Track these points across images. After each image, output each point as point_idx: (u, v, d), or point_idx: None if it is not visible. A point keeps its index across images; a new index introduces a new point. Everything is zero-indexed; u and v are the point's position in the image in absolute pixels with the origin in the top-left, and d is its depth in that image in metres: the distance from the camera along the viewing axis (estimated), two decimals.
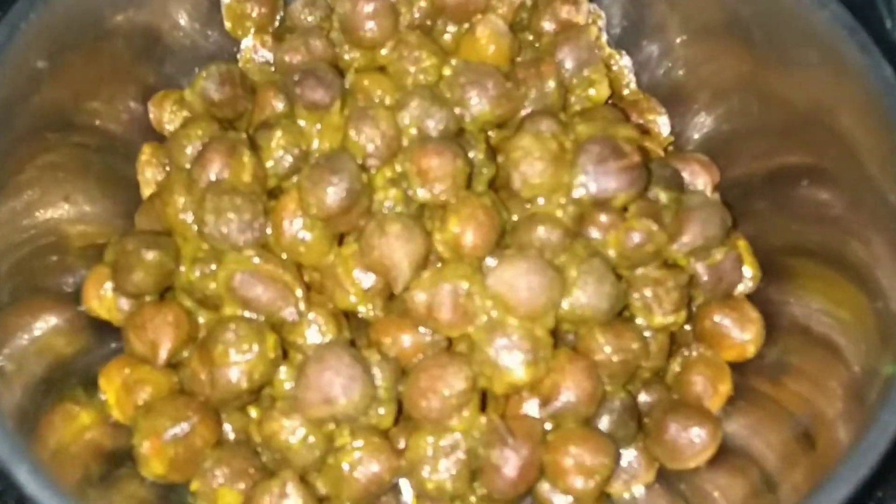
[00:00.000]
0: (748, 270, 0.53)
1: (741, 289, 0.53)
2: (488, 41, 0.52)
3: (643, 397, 0.50)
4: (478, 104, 0.49)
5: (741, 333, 0.51)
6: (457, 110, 0.49)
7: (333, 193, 0.45)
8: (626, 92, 0.60)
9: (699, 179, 0.54)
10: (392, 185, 0.48)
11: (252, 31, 0.58)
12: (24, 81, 0.51)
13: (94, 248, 0.55)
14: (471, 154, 0.49)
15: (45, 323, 0.51)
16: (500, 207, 0.47)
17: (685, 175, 0.55)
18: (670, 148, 0.58)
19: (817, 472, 0.44)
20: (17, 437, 0.43)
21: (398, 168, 0.48)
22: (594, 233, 0.47)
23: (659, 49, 0.62)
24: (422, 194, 0.47)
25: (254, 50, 0.58)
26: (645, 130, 0.58)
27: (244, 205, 0.46)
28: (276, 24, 0.59)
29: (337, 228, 0.47)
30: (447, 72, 0.51)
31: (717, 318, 0.51)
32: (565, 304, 0.45)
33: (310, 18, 0.57)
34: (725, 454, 0.49)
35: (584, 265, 0.45)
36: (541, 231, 0.46)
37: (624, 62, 0.61)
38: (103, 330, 0.52)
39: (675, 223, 0.48)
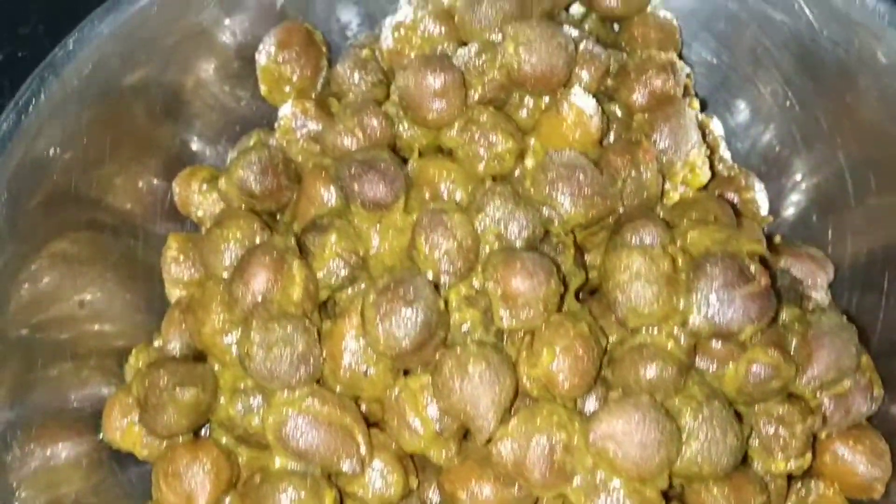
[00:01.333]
0: (875, 391, 0.45)
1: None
2: (575, 123, 0.44)
3: None
4: (569, 205, 0.41)
5: (869, 469, 0.44)
6: (543, 211, 0.42)
7: (407, 328, 0.37)
8: (720, 166, 0.52)
9: (816, 280, 0.47)
10: (469, 305, 0.40)
11: (292, 96, 0.50)
12: (34, 169, 0.43)
13: (112, 356, 0.48)
14: (559, 258, 0.42)
15: (58, 456, 0.44)
16: (598, 333, 0.40)
17: (794, 268, 0.48)
18: (777, 239, 0.50)
19: None
20: None
21: (475, 283, 0.41)
22: (707, 364, 0.40)
23: (751, 112, 0.55)
24: (507, 321, 0.39)
25: (293, 118, 0.49)
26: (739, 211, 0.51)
27: (296, 335, 0.38)
28: (319, 87, 0.51)
29: (407, 365, 0.40)
30: (530, 163, 0.43)
31: (840, 451, 0.44)
32: (680, 459, 0.38)
33: (359, 82, 0.49)
34: None
35: (704, 410, 0.38)
36: (651, 370, 0.38)
37: (716, 130, 0.53)
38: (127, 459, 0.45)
39: (802, 350, 0.41)
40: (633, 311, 0.39)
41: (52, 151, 0.43)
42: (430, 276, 0.40)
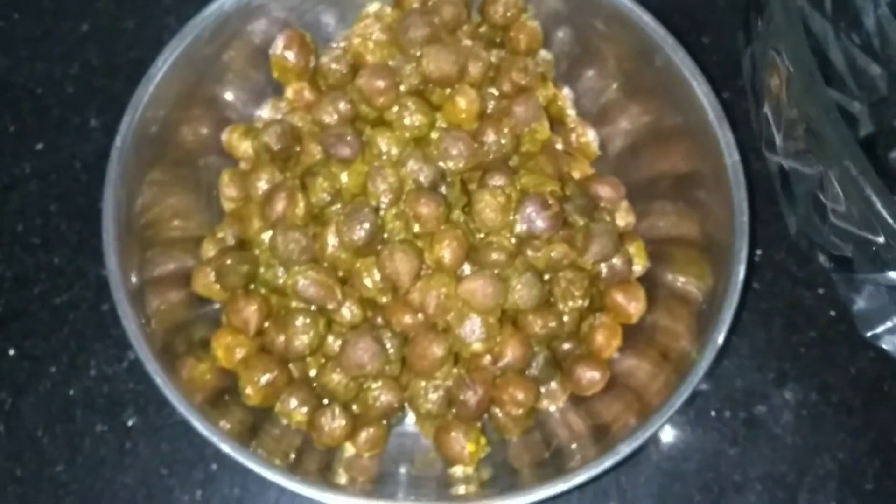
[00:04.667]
0: (640, 262, 0.78)
1: (637, 270, 0.79)
2: (463, 108, 0.74)
3: (565, 346, 0.77)
4: (454, 163, 0.72)
5: (630, 305, 0.77)
6: (440, 164, 0.72)
7: (360, 236, 0.69)
8: (568, 120, 0.82)
9: (612, 196, 0.78)
10: (397, 218, 0.72)
11: (294, 78, 0.79)
12: (149, 124, 0.73)
13: (192, 241, 0.80)
14: (450, 190, 0.73)
15: (169, 298, 0.77)
16: (468, 234, 0.72)
17: (599, 189, 0.79)
18: (592, 171, 0.81)
19: (671, 388, 0.70)
20: (164, 372, 0.70)
21: (402, 206, 0.72)
22: (529, 252, 0.72)
23: (591, 82, 0.84)
24: (417, 229, 0.71)
25: (296, 92, 0.80)
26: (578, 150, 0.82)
27: (301, 237, 0.71)
28: (311, 71, 0.80)
29: (362, 253, 0.72)
30: (434, 135, 0.73)
31: (614, 295, 0.77)
32: (509, 302, 0.71)
33: (335, 71, 0.78)
34: (612, 385, 0.77)
35: (522, 277, 0.70)
36: (493, 255, 0.71)
37: (566, 93, 0.83)
38: (208, 301, 0.78)
39: (584, 243, 0.73)
40: (485, 225, 0.70)
41: (159, 114, 0.73)
42: (374, 203, 0.71)
